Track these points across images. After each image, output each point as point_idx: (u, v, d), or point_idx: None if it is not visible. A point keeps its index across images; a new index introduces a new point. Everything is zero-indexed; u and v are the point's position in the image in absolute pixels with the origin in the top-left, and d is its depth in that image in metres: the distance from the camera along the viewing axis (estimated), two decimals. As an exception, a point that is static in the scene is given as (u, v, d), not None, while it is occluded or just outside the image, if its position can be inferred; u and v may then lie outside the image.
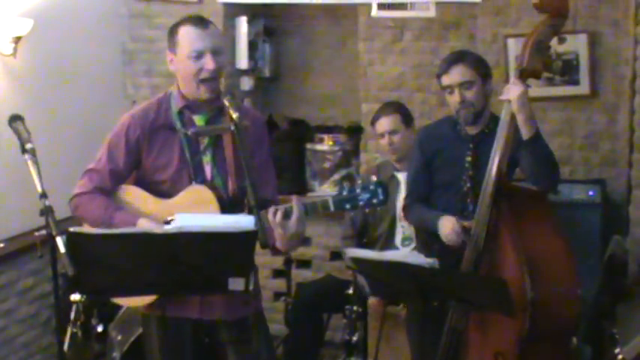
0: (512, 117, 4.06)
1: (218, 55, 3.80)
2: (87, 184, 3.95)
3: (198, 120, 3.92)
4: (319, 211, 3.74)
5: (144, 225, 3.78)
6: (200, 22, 3.83)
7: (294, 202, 3.68)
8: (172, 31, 3.89)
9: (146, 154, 3.93)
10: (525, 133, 4.08)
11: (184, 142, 3.90)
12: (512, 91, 4.04)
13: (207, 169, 3.92)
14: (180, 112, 3.92)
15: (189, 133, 3.87)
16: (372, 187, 3.71)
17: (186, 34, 3.82)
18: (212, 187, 3.87)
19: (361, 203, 3.73)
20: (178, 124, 3.91)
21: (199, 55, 3.78)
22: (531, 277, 3.93)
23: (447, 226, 4.27)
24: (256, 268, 4.11)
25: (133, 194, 3.97)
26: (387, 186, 3.78)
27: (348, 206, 3.74)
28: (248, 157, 3.64)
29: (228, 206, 3.82)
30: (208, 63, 3.77)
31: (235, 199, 3.84)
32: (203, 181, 3.90)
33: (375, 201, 3.72)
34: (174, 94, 3.95)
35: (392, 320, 5.21)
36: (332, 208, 3.72)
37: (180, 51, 3.84)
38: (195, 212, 3.79)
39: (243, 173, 3.71)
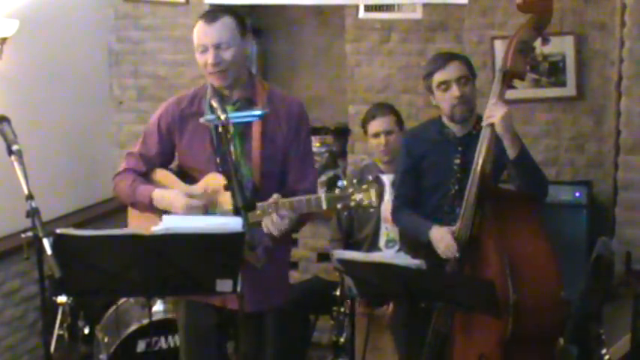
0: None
1: (222, 50, 3.91)
2: (123, 166, 4.21)
3: (229, 109, 3.96)
4: (312, 208, 3.76)
5: (160, 193, 4.00)
6: (210, 16, 3.96)
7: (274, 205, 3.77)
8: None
9: (178, 141, 4.13)
10: (511, 153, 4.08)
11: (212, 131, 4.01)
12: (496, 115, 4.04)
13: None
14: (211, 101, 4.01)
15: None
16: (365, 187, 3.71)
17: (196, 29, 3.98)
18: (229, 175, 3.89)
19: (353, 204, 3.74)
20: (208, 113, 4.00)
21: (204, 50, 3.93)
22: (513, 279, 3.94)
23: (441, 244, 4.24)
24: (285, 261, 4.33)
25: (163, 177, 4.16)
26: (381, 186, 3.78)
27: (340, 205, 3.75)
28: (235, 157, 3.72)
29: (250, 195, 3.88)
30: (209, 57, 3.91)
31: (259, 188, 3.93)
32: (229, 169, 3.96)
33: (367, 202, 3.72)
34: (209, 85, 4.07)
35: (379, 322, 5.21)
36: (324, 205, 3.74)
37: (194, 44, 3.98)
38: (211, 198, 3.94)
39: (273, 163, 3.94)
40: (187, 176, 4.12)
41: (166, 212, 3.89)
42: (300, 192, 3.95)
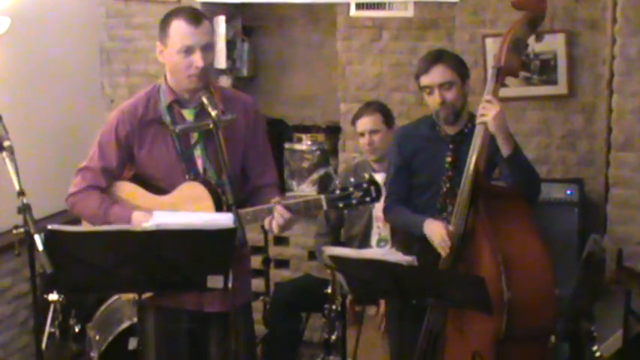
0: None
1: (207, 52, 3.84)
2: (80, 183, 4.00)
3: (187, 114, 3.95)
4: (312, 209, 3.77)
5: (138, 218, 3.83)
6: (194, 17, 3.83)
7: (275, 207, 3.76)
8: (164, 22, 3.88)
9: (137, 150, 3.96)
10: (504, 151, 4.08)
11: (175, 137, 3.93)
12: (489, 113, 4.03)
13: (199, 163, 3.96)
14: (170, 107, 3.94)
15: (176, 130, 3.89)
16: (365, 185, 3.73)
17: (179, 29, 3.82)
18: (205, 182, 3.90)
19: (354, 202, 3.75)
20: (168, 119, 3.93)
21: (189, 51, 3.80)
22: (507, 277, 3.93)
23: (437, 236, 4.24)
24: (248, 258, 4.24)
25: (127, 191, 4.01)
26: (379, 184, 3.79)
27: (341, 205, 3.76)
28: (228, 155, 3.68)
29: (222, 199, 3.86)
30: (197, 60, 3.80)
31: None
32: (196, 175, 3.93)
33: (367, 199, 3.74)
34: (163, 88, 3.97)
35: (371, 319, 5.21)
36: (325, 206, 3.75)
37: (170, 44, 3.84)
38: (190, 208, 3.84)
39: (234, 162, 3.85)
40: (148, 185, 3.99)
41: None
42: (263, 186, 3.98)
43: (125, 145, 3.96)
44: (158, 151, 3.96)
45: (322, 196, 3.77)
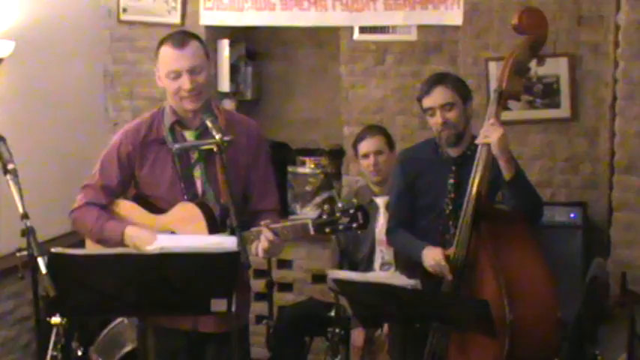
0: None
1: (196, 74, 3.84)
2: (82, 200, 4.05)
3: (189, 135, 3.97)
4: (299, 234, 3.76)
5: (132, 232, 3.87)
6: (178, 41, 3.86)
7: (263, 231, 3.74)
8: (157, 49, 3.94)
9: (138, 170, 4.00)
10: (507, 174, 4.08)
11: (175, 157, 3.95)
12: (493, 136, 4.04)
13: (199, 184, 3.97)
14: (172, 128, 3.97)
15: (173, 149, 3.90)
16: (352, 211, 3.72)
17: (165, 54, 3.88)
18: (201, 204, 3.90)
19: (341, 227, 3.74)
20: (169, 139, 3.95)
21: (176, 75, 3.84)
22: (510, 299, 3.92)
23: (431, 259, 4.25)
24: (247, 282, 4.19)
25: (126, 209, 4.03)
26: (367, 210, 3.78)
27: (327, 230, 3.75)
28: (231, 178, 3.70)
29: (219, 221, 3.87)
30: (184, 83, 3.82)
31: (228, 212, 3.81)
32: (195, 195, 3.94)
33: (354, 225, 3.72)
34: (167, 110, 4.00)
35: (374, 344, 5.20)
36: (312, 231, 3.74)
37: (160, 69, 3.90)
38: (184, 229, 3.85)
39: (235, 185, 3.82)
40: (148, 204, 4.01)
41: None
42: (263, 212, 3.97)
43: (127, 164, 4.00)
44: (158, 171, 3.99)
45: (309, 221, 3.77)
